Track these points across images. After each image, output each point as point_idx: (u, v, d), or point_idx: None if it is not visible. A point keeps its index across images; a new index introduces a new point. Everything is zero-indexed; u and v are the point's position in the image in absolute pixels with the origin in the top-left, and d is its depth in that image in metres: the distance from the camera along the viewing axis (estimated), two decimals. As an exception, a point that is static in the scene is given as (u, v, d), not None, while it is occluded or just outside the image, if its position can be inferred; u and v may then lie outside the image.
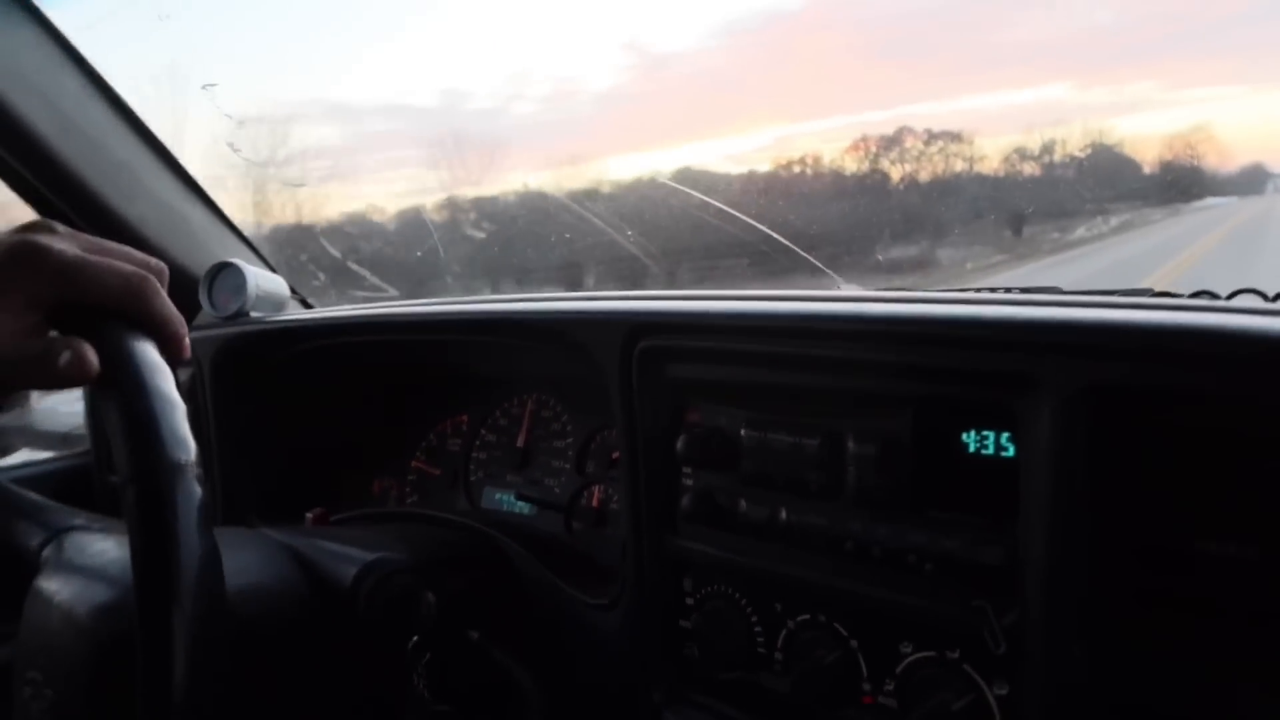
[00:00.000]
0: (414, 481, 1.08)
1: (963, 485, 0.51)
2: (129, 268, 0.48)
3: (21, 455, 1.20)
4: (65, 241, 0.48)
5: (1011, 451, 0.49)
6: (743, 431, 0.62)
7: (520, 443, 0.99)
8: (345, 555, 0.71)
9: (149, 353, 0.47)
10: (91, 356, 0.45)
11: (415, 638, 0.69)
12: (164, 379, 0.46)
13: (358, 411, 1.11)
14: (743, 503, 0.62)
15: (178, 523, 0.43)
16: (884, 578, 0.54)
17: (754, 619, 0.63)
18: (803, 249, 1.13)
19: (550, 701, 0.73)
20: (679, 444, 0.64)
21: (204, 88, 1.02)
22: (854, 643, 0.56)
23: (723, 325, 0.63)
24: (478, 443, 1.04)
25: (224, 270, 1.06)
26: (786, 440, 0.59)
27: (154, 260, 0.52)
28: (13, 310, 0.47)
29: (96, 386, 0.47)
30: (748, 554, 0.62)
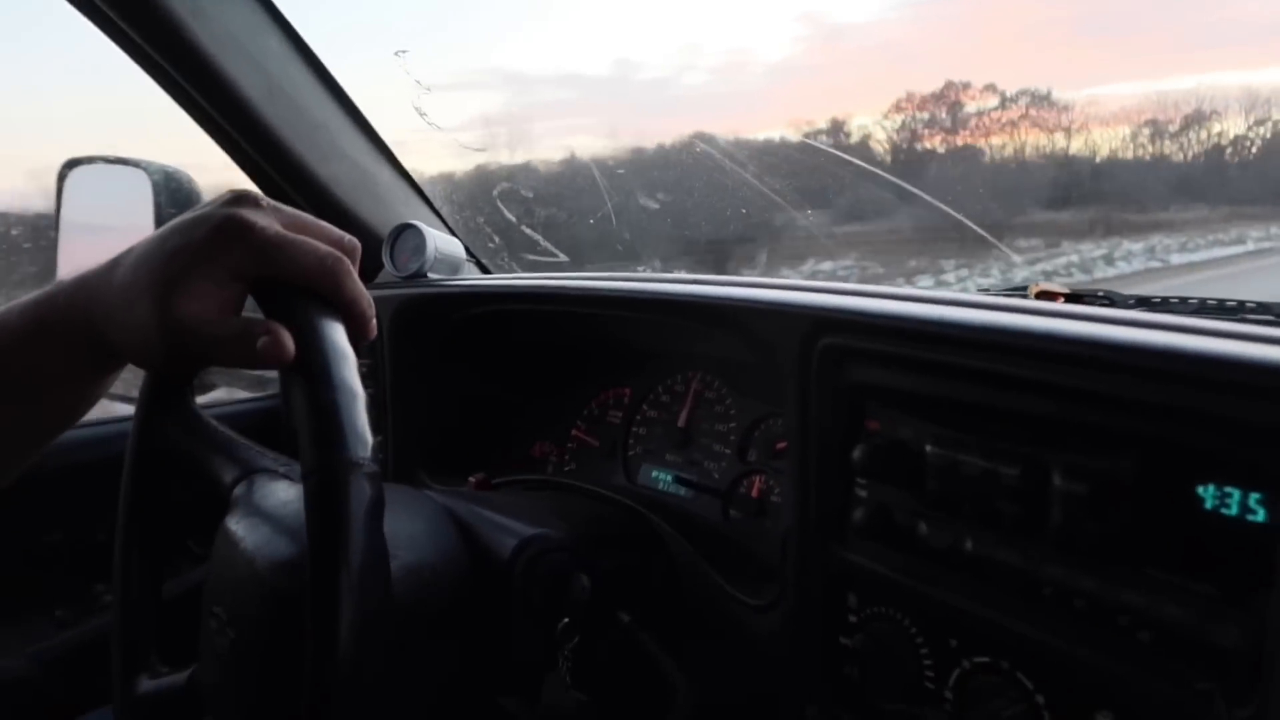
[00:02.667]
0: (573, 450, 1.08)
1: (1194, 544, 0.44)
2: (324, 248, 0.50)
3: (220, 392, 1.30)
4: (268, 218, 0.51)
5: (1261, 515, 0.42)
6: (928, 448, 0.57)
7: (681, 422, 0.97)
8: (505, 527, 0.72)
9: (338, 338, 0.48)
10: (288, 341, 0.47)
11: (565, 619, 0.69)
12: (349, 367, 0.48)
13: (523, 375, 1.13)
14: (922, 525, 0.57)
15: (350, 523, 0.44)
16: (1087, 635, 0.48)
17: (924, 650, 0.58)
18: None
19: (697, 697, 0.71)
20: (856, 453, 0.60)
21: (396, 54, 1.04)
22: (1040, 698, 0.51)
23: (914, 330, 0.58)
24: (638, 418, 1.03)
25: (405, 231, 1.09)
26: (979, 464, 0.54)
27: (348, 237, 0.53)
28: (217, 280, 0.49)
29: (288, 370, 0.48)
30: (924, 580, 0.57)
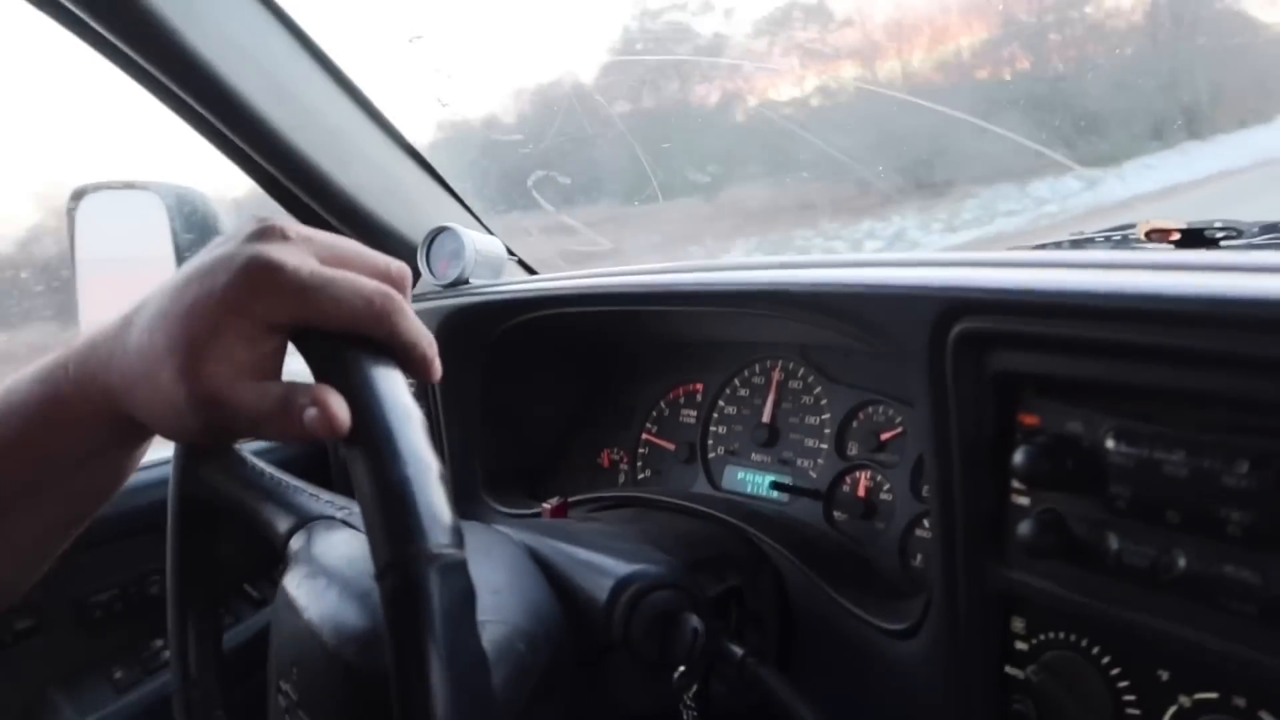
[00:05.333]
0: (645, 455, 0.99)
1: None
2: (370, 284, 0.41)
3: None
4: (300, 253, 0.42)
5: None
6: (1110, 444, 0.47)
7: (766, 417, 0.88)
8: (595, 565, 0.64)
9: (400, 396, 0.40)
10: (339, 411, 0.38)
11: (681, 668, 0.61)
12: (416, 431, 0.39)
13: (584, 379, 1.04)
14: (1112, 538, 0.48)
15: (437, 633, 0.36)
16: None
17: (1122, 684, 0.49)
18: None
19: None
20: (1018, 456, 0.50)
21: (410, 40, 0.94)
22: (1298, 745, 0.41)
23: (1072, 306, 0.48)
24: (715, 415, 0.94)
25: (441, 235, 1.01)
26: (1186, 462, 0.44)
27: (395, 264, 0.45)
28: (249, 337, 0.40)
29: (344, 443, 0.40)
30: (1118, 603, 0.48)
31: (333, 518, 0.64)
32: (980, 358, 0.53)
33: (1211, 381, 0.43)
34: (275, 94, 0.95)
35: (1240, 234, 0.83)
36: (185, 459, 0.68)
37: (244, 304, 0.40)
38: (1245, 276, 0.44)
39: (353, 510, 0.65)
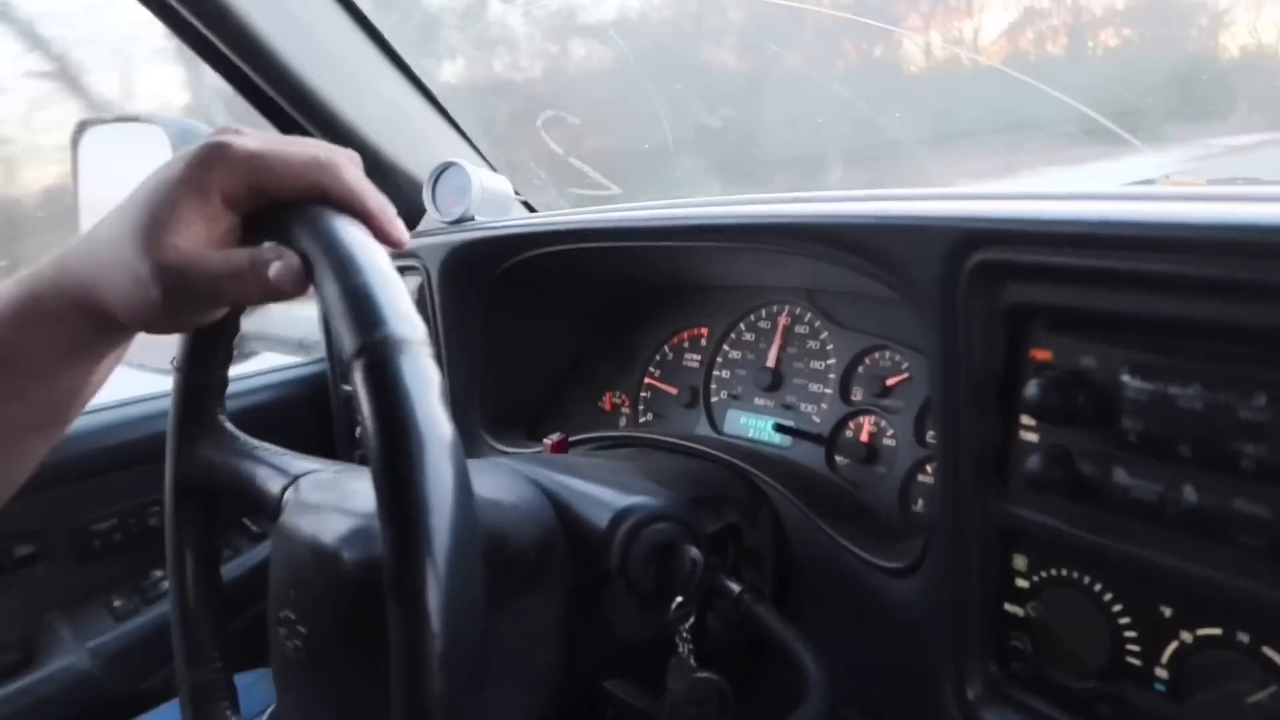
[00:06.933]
0: (647, 399, 0.99)
1: None
2: (318, 145, 0.44)
3: (263, 359, 1.22)
4: (251, 137, 0.45)
5: None
6: (1125, 378, 0.47)
7: (770, 361, 0.87)
8: (595, 497, 0.63)
9: (358, 232, 0.41)
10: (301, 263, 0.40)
11: (679, 599, 0.60)
12: (378, 254, 0.40)
13: (587, 321, 1.03)
14: (1120, 472, 0.47)
15: (413, 397, 0.36)
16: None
17: (1123, 620, 0.48)
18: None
19: (831, 676, 0.62)
20: (1029, 389, 0.49)
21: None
22: (1301, 679, 0.41)
23: (1095, 235, 0.47)
24: (719, 359, 0.93)
25: (447, 171, 0.99)
26: (1200, 395, 0.43)
27: (343, 148, 0.47)
28: (206, 214, 0.43)
29: (313, 284, 0.41)
30: (1124, 538, 0.47)
31: (323, 470, 0.64)
32: (994, 290, 0.52)
33: (1231, 312, 0.42)
34: (283, 21, 0.93)
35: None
36: (179, 440, 0.68)
37: (199, 180, 0.42)
38: (1266, 205, 0.43)
39: (344, 468, 0.65)
